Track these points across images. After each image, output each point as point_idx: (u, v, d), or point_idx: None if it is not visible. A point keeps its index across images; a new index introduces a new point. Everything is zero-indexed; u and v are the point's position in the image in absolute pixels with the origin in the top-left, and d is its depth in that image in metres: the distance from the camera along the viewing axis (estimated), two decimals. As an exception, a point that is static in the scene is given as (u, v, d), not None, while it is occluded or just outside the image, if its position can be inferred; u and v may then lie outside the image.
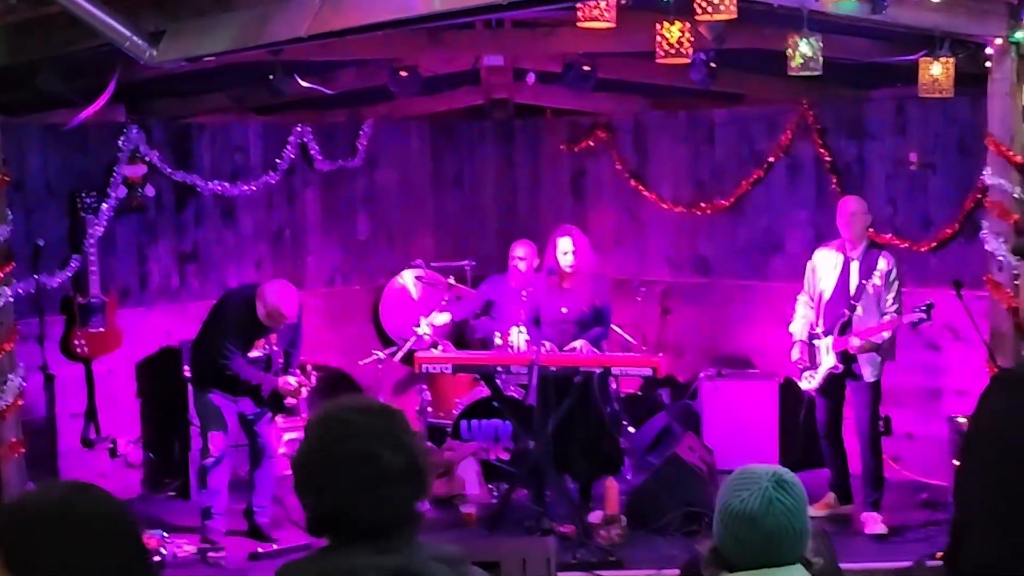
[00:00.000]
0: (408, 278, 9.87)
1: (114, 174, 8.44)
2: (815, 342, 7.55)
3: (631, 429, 9.09)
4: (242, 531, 7.63)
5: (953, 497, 6.98)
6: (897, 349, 8.52)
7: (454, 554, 2.45)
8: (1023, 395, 2.95)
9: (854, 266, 7.42)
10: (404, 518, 2.42)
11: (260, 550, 7.32)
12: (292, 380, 7.55)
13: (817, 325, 7.57)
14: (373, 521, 2.39)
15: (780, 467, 2.74)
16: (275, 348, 7.55)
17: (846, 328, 7.38)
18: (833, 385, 7.56)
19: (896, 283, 7.39)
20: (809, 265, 7.72)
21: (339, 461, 2.39)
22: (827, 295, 7.51)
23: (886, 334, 7.36)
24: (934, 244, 8.39)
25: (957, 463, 7.37)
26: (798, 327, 7.70)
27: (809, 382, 7.62)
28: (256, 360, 7.47)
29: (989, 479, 2.94)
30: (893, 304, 7.36)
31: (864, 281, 7.34)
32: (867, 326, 7.34)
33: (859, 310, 7.36)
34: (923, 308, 7.13)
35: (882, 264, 7.37)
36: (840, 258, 7.49)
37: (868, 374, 7.42)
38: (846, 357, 7.41)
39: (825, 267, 7.57)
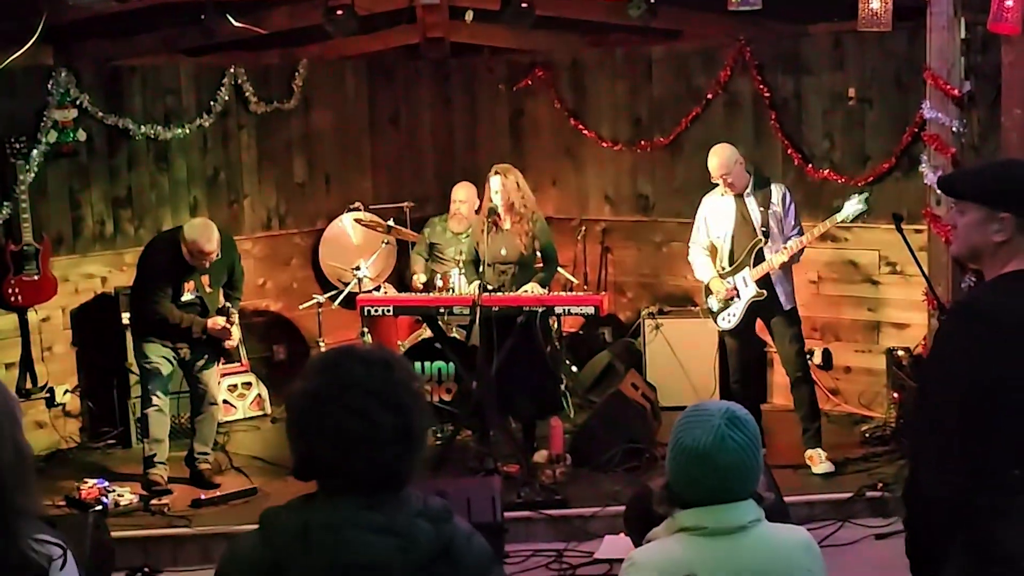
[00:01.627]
0: (347, 221, 9.78)
1: (44, 118, 8.27)
2: (729, 280, 7.50)
3: (574, 368, 9.12)
4: (184, 478, 7.59)
5: (908, 432, 7.10)
6: (835, 283, 8.65)
7: (440, 509, 2.37)
8: (983, 328, 2.95)
9: (750, 200, 7.39)
10: (393, 475, 2.32)
11: (203, 496, 7.27)
12: (220, 320, 7.49)
13: (723, 267, 7.53)
14: (359, 476, 2.29)
15: (732, 404, 2.75)
16: (208, 289, 7.49)
17: (760, 257, 7.35)
18: (745, 326, 7.56)
19: (793, 205, 7.41)
20: (700, 214, 7.65)
21: (328, 412, 2.28)
22: (730, 234, 7.46)
23: (814, 234, 7.31)
24: (872, 178, 8.42)
25: (907, 397, 7.54)
26: (705, 272, 7.63)
27: (728, 321, 7.57)
28: (189, 304, 7.43)
29: (947, 413, 2.94)
30: (795, 227, 7.39)
31: (764, 209, 7.35)
32: (775, 249, 7.33)
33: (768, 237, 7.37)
34: (858, 199, 7.12)
35: (776, 192, 7.40)
36: (732, 198, 7.45)
37: (785, 301, 7.41)
38: (766, 283, 7.38)
39: (719, 213, 7.51)
